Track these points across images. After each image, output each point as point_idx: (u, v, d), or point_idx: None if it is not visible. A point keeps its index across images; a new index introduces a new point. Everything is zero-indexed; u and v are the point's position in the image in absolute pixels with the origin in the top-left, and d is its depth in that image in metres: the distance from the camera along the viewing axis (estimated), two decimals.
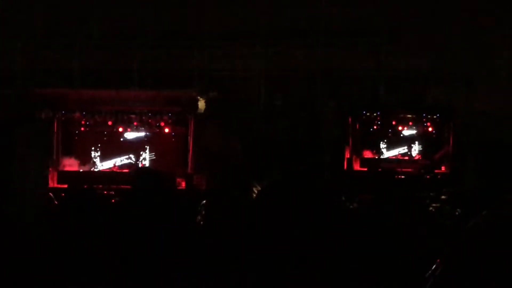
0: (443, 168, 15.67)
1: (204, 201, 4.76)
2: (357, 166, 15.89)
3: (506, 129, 15.14)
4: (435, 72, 16.39)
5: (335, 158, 15.54)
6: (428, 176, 14.52)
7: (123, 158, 16.93)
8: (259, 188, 4.51)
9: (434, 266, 2.04)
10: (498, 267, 1.86)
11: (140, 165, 16.43)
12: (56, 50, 16.30)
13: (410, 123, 16.21)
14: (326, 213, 2.84)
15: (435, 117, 16.15)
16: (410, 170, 15.43)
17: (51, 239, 4.01)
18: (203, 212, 4.55)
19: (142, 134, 16.79)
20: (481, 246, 1.92)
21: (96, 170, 16.62)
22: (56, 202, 6.50)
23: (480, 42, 16.05)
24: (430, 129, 16.21)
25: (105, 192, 13.10)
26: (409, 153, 16.43)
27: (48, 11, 16.38)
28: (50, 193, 6.96)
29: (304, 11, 16.51)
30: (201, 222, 4.44)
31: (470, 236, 2.00)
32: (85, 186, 6.48)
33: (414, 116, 16.15)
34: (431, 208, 6.17)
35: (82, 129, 16.51)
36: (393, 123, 16.21)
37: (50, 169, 15.54)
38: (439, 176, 15.16)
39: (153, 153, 16.81)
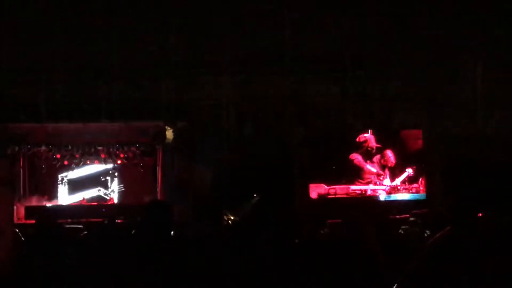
0: (411, 189, 15.74)
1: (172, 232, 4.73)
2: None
3: (474, 150, 15.31)
4: (401, 95, 16.53)
5: (303, 185, 15.53)
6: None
7: (92, 191, 16.79)
8: (231, 217, 4.50)
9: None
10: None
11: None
12: (21, 84, 16.13)
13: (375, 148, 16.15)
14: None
15: (400, 140, 16.21)
16: (376, 194, 15.59)
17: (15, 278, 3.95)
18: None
19: (110, 166, 16.68)
20: (438, 263, 1.94)
21: (64, 204, 16.42)
22: (22, 239, 6.39)
23: (445, 64, 16.26)
24: (395, 152, 16.19)
25: (74, 226, 12.91)
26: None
27: (13, 46, 16.24)
28: (16, 229, 6.84)
29: (270, 39, 16.60)
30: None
31: (425, 256, 2.02)
32: (53, 222, 6.39)
33: (380, 140, 16.16)
34: (400, 231, 6.19)
35: (49, 163, 16.33)
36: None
37: (17, 204, 15.32)
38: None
39: (122, 185, 16.69)
